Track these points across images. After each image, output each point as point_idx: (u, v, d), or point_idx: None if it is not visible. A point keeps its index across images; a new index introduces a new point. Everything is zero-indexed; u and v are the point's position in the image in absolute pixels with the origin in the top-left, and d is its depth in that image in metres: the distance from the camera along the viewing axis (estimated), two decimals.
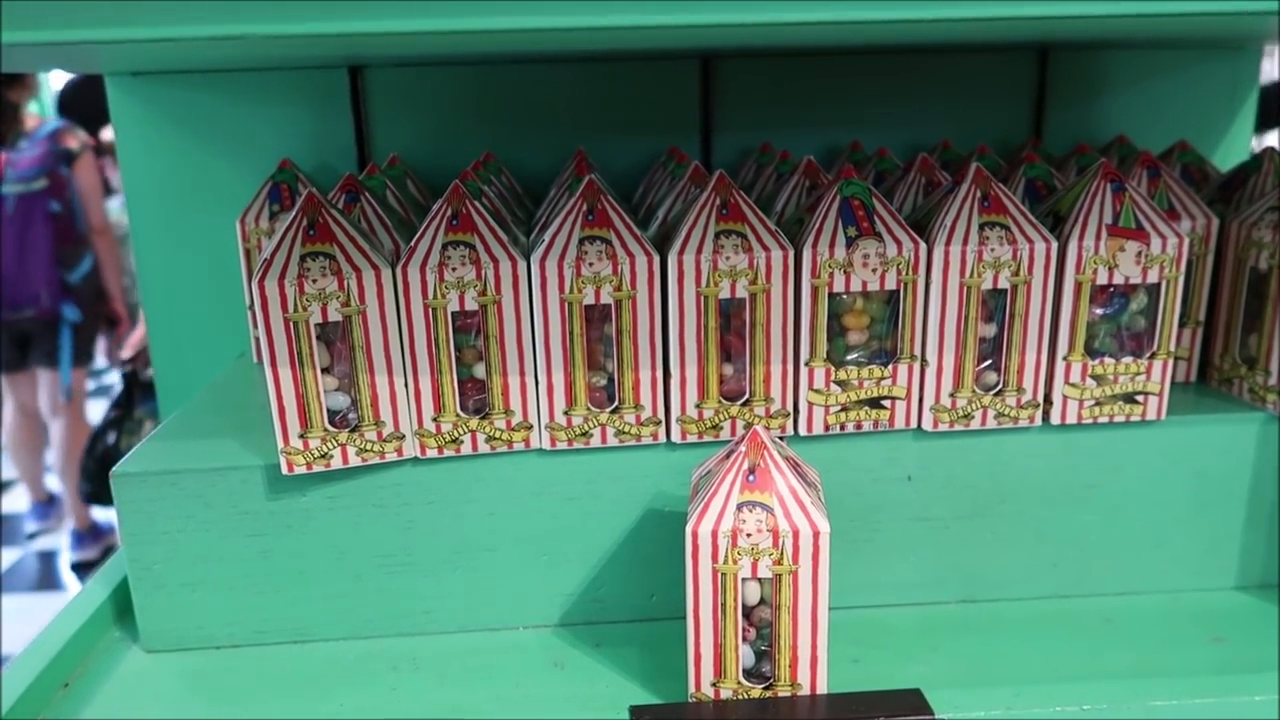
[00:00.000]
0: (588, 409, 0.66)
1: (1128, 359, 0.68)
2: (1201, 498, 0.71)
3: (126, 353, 2.33)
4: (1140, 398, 0.68)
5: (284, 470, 0.64)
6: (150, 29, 0.42)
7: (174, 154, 0.97)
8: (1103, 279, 0.66)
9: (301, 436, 0.63)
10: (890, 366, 0.67)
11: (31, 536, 2.75)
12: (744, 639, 0.59)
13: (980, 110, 1.02)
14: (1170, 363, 0.68)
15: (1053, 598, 0.72)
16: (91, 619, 0.69)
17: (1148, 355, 0.68)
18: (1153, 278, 0.66)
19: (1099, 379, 0.68)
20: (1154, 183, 0.76)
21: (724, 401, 0.67)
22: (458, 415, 0.65)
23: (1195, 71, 1.03)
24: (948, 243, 0.64)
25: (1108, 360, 0.68)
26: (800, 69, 1.00)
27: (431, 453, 0.66)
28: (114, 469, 0.66)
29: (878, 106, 1.01)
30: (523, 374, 0.65)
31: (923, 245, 0.65)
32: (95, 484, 2.27)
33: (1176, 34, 0.83)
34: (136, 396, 2.24)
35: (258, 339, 0.62)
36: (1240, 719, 0.60)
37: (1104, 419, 0.69)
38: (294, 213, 0.62)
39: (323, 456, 0.64)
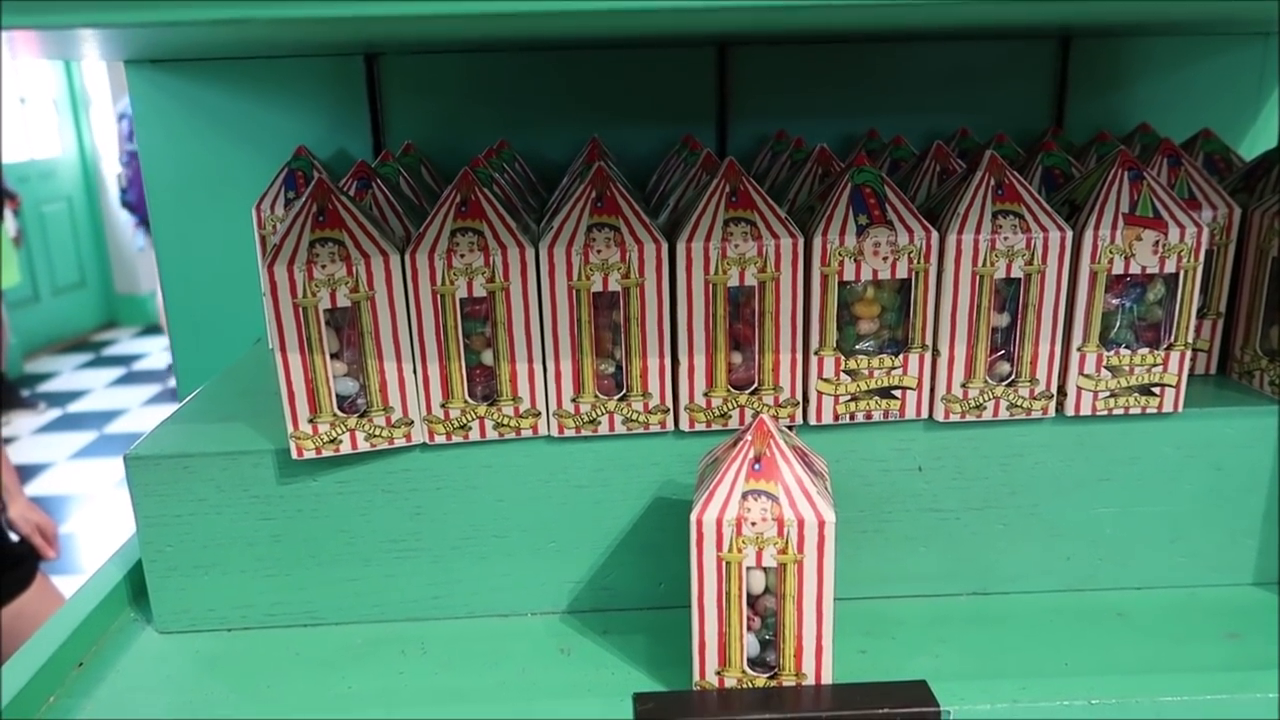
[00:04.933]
0: (596, 396, 0.66)
1: (1144, 350, 0.67)
2: (1219, 492, 0.70)
3: None
4: (1157, 390, 0.67)
5: (294, 455, 0.64)
6: (156, 13, 0.42)
7: (192, 141, 0.97)
8: (1119, 269, 0.65)
9: (311, 421, 0.64)
10: (901, 356, 0.66)
11: None
12: (748, 628, 0.59)
13: (1000, 98, 1.01)
14: (1188, 354, 0.67)
15: (1065, 591, 0.71)
16: (106, 600, 0.70)
17: (1165, 347, 0.67)
18: (1170, 268, 0.65)
19: (1114, 370, 0.67)
20: (1174, 171, 0.74)
21: (732, 390, 0.66)
22: (466, 402, 0.65)
23: (1222, 58, 1.01)
24: (960, 231, 0.64)
25: (1123, 351, 0.67)
26: (817, 56, 0.99)
27: (440, 439, 0.66)
28: (127, 452, 0.67)
29: (895, 94, 1.00)
30: (531, 361, 0.65)
31: (934, 233, 0.64)
32: None
33: (1203, 19, 0.82)
34: None
35: (269, 323, 0.63)
36: (1252, 717, 0.59)
37: (1119, 411, 0.68)
38: (303, 199, 0.63)
39: (332, 441, 0.64)
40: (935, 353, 0.66)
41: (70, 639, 0.65)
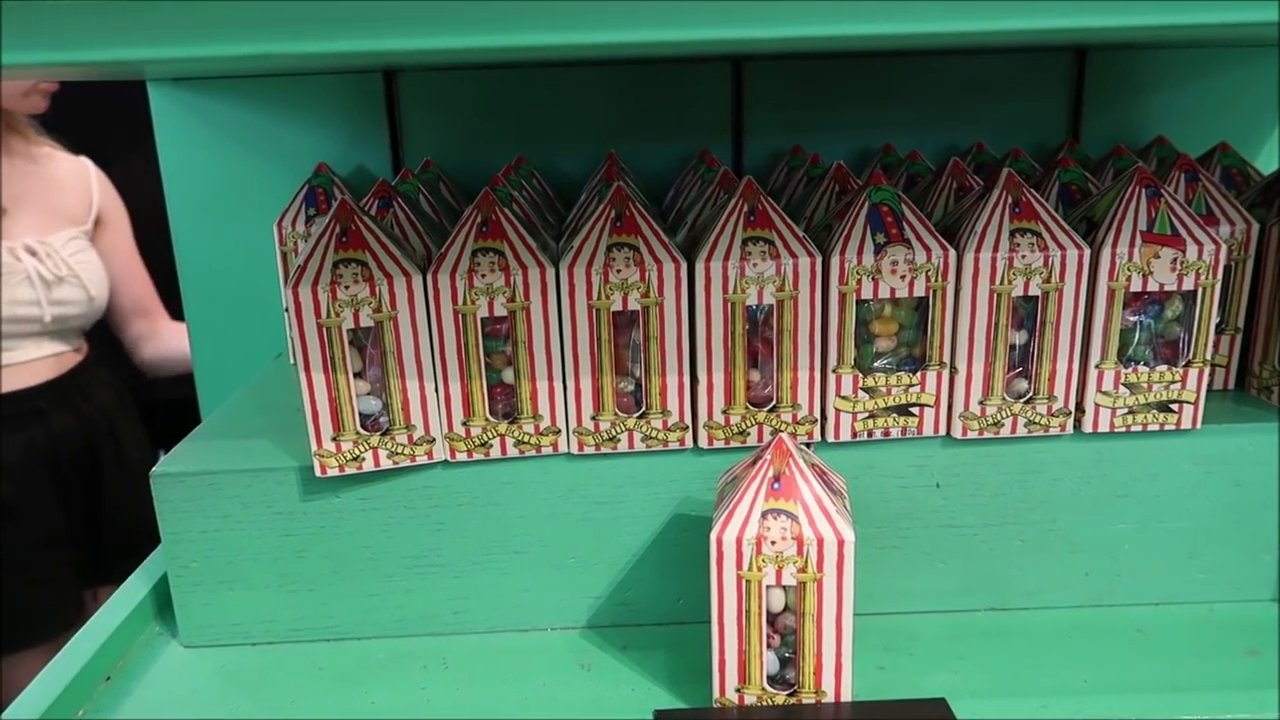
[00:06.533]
0: (615, 414, 0.66)
1: (1162, 367, 0.67)
2: (1238, 508, 0.70)
3: None
4: (1175, 406, 0.67)
5: (317, 472, 0.65)
6: (183, 49, 0.43)
7: (214, 158, 0.98)
8: (1137, 286, 0.65)
9: (334, 439, 0.65)
10: (919, 374, 0.66)
11: None
12: (768, 646, 0.59)
13: (1016, 111, 1.01)
14: (1206, 371, 0.67)
15: (1084, 607, 0.71)
16: (132, 615, 0.71)
17: (1183, 363, 0.67)
18: (1188, 285, 0.65)
19: (1132, 387, 0.67)
20: (1191, 187, 0.74)
21: (751, 408, 0.67)
22: (487, 419, 0.66)
23: (1240, 71, 1.01)
24: (978, 249, 0.64)
25: (1141, 368, 0.67)
26: (833, 71, 0.99)
27: (461, 456, 0.67)
28: (153, 469, 0.67)
29: (911, 108, 1.00)
30: (551, 379, 0.66)
31: (952, 252, 0.64)
32: None
33: (1220, 35, 0.82)
34: None
35: (293, 342, 0.63)
36: None
37: (1137, 428, 0.68)
38: (327, 220, 0.64)
39: (355, 459, 0.65)
40: (953, 370, 0.67)
41: (98, 653, 0.66)
